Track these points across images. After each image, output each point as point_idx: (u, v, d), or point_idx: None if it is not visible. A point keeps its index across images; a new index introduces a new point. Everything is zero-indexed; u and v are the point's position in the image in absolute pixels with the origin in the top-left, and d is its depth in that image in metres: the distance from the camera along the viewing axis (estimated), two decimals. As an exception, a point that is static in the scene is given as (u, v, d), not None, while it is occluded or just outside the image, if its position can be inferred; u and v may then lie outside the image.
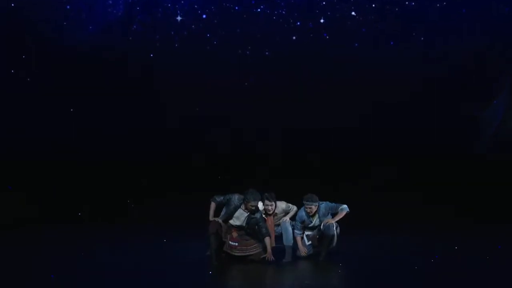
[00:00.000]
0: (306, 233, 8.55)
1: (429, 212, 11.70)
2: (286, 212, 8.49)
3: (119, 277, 7.19)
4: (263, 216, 8.26)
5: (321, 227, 8.31)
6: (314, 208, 8.30)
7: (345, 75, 12.15)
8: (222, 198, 8.30)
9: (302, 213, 8.42)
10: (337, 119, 12.18)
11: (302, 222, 8.41)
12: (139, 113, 12.39)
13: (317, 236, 8.39)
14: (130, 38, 12.57)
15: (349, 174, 12.23)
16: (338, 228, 8.34)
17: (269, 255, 7.98)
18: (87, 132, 12.39)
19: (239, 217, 8.18)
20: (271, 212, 8.32)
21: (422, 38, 12.14)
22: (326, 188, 9.47)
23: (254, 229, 8.13)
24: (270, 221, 8.31)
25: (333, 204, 8.43)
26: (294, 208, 8.52)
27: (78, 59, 12.18)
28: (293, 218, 8.50)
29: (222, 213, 8.31)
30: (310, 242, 8.48)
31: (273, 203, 8.28)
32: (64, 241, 9.77)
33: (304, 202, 8.34)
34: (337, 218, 8.31)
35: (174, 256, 8.58)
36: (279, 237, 8.41)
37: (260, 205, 8.31)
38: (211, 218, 8.20)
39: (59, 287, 6.69)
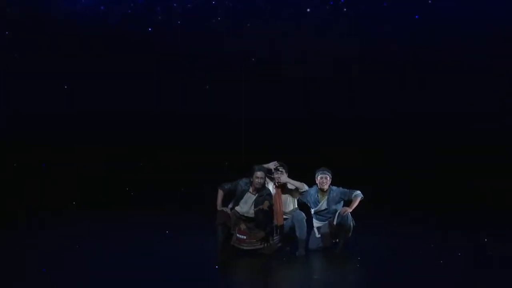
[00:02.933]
0: (317, 225, 8.38)
1: (457, 201, 11.63)
2: (300, 191, 8.36)
3: (118, 272, 7.05)
4: (272, 192, 8.24)
5: (336, 218, 8.10)
6: (328, 180, 8.22)
7: (363, 51, 12.01)
8: (230, 185, 8.21)
9: (312, 191, 8.31)
10: (361, 99, 12.10)
11: (308, 200, 8.34)
12: (138, 92, 12.28)
13: (329, 232, 8.22)
14: (129, 11, 12.38)
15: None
16: (353, 221, 8.17)
17: (264, 206, 7.92)
18: (81, 110, 12.30)
19: (247, 201, 8.09)
20: (281, 180, 8.23)
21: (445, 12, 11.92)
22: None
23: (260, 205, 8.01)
24: (278, 194, 8.22)
25: (346, 189, 8.27)
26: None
27: (72, 33, 12.08)
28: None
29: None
30: (319, 236, 8.33)
31: (283, 171, 8.25)
32: (57, 233, 9.64)
33: (319, 172, 8.27)
34: (354, 206, 8.13)
35: (177, 249, 8.42)
36: (288, 232, 8.25)
37: (270, 186, 8.26)
38: (218, 207, 8.06)
39: (54, 284, 6.59)
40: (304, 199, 8.37)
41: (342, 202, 8.29)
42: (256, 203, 8.02)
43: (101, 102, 12.27)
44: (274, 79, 12.11)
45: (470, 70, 11.85)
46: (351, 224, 8.06)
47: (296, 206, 8.42)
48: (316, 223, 8.38)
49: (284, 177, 8.26)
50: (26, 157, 12.12)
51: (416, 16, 12.04)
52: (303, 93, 12.24)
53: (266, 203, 7.95)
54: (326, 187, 8.24)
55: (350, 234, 8.12)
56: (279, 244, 8.17)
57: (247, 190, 8.12)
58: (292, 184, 8.31)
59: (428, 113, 12.10)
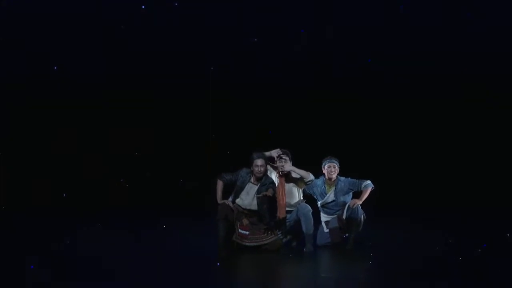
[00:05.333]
0: (325, 219, 8.21)
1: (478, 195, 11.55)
2: (305, 180, 8.18)
3: (117, 269, 6.91)
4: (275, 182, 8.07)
5: (345, 212, 7.95)
6: (336, 169, 8.09)
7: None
8: (231, 176, 8.01)
9: (318, 182, 8.17)
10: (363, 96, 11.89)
11: (314, 192, 8.19)
12: (131, 75, 12.09)
13: (338, 227, 8.05)
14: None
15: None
16: (364, 214, 8.02)
17: (269, 193, 7.76)
18: (71, 95, 12.13)
19: (249, 192, 7.91)
20: (284, 168, 8.05)
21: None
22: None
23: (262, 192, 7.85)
24: (281, 184, 8.05)
25: (355, 180, 8.12)
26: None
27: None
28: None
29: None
30: (327, 230, 8.16)
31: (287, 159, 8.08)
32: (47, 229, 9.61)
33: (326, 161, 8.13)
34: (364, 197, 7.99)
35: (176, 245, 8.34)
36: (293, 226, 8.12)
37: (274, 176, 8.13)
38: (219, 200, 7.88)
39: (53, 284, 6.39)
40: (310, 191, 8.19)
41: (351, 194, 8.14)
42: (259, 192, 7.84)
43: (94, 89, 12.10)
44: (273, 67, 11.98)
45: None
46: (362, 217, 7.90)
47: (302, 197, 8.22)
48: (323, 217, 8.21)
49: (288, 165, 8.07)
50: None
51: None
52: (304, 85, 12.10)
53: (270, 190, 7.78)
54: (334, 176, 8.08)
55: (361, 228, 7.96)
56: (284, 240, 8.01)
57: (249, 180, 7.94)
58: (296, 173, 8.11)
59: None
